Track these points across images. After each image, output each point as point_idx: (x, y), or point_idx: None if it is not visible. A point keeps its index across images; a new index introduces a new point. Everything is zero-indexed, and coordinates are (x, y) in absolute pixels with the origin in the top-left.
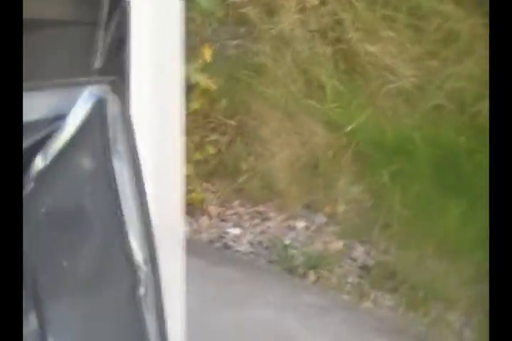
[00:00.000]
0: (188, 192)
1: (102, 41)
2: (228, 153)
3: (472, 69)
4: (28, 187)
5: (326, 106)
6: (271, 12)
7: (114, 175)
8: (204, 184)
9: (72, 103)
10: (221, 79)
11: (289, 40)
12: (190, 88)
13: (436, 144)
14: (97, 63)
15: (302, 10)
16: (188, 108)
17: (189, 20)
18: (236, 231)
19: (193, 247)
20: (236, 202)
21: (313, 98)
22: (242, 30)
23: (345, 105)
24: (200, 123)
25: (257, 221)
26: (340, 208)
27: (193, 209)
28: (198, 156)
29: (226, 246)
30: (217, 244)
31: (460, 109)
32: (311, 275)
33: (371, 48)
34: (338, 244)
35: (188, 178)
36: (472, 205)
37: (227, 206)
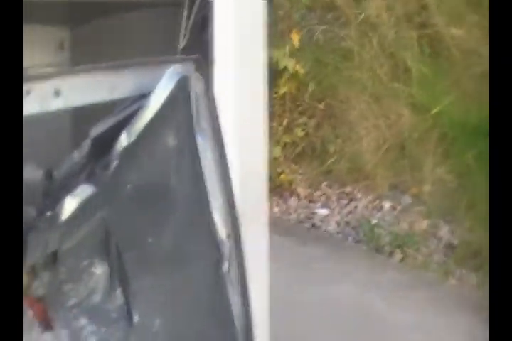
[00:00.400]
0: (277, 174)
1: (186, 21)
2: (316, 135)
3: None
4: (113, 164)
5: (412, 89)
6: None
7: (197, 151)
8: (292, 166)
9: (156, 81)
10: (309, 63)
11: (375, 25)
12: (278, 73)
13: None
14: (182, 42)
15: None
16: (276, 92)
17: (278, 7)
18: (324, 211)
19: (282, 227)
20: (324, 184)
21: (400, 81)
22: (330, 15)
23: (430, 88)
24: (288, 107)
25: (344, 202)
26: (426, 189)
27: (282, 190)
28: (286, 139)
29: (314, 226)
30: (306, 224)
31: None
32: (397, 254)
33: (456, 32)
34: (424, 224)
35: (277, 161)
36: None
37: (315, 187)
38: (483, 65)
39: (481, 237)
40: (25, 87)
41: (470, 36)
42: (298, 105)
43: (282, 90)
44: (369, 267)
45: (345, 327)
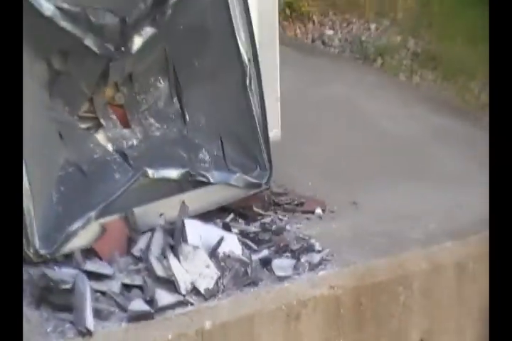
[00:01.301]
0: (300, 6)
1: None
2: None
3: None
4: (168, 12)
5: None
6: None
7: (227, 8)
8: (310, 1)
9: None
10: None
11: None
12: None
13: None
14: None
15: None
16: None
17: None
18: (330, 32)
19: (301, 45)
20: (331, 12)
21: None
22: None
23: None
24: None
25: (344, 25)
26: (399, 15)
27: (303, 18)
28: None
29: (323, 43)
30: (318, 42)
31: None
32: (379, 60)
33: None
34: (398, 39)
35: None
36: None
37: (325, 15)
38: None
39: (437, 47)
40: None
41: None
42: None
43: None
44: (358, 71)
45: (336, 114)
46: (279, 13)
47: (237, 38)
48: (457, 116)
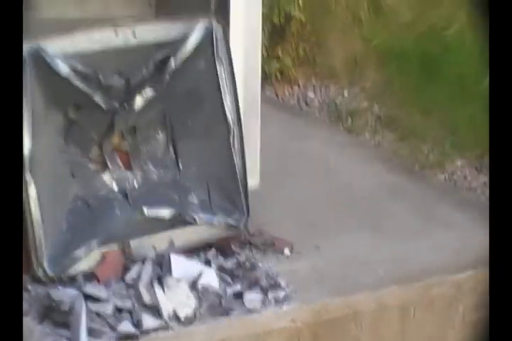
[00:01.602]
0: (287, 72)
1: None
2: (310, 53)
3: None
4: (166, 78)
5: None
6: None
7: (216, 71)
8: (298, 69)
9: (194, 28)
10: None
11: None
12: (287, 19)
13: None
14: (212, 6)
15: None
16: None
17: None
18: (312, 95)
19: (286, 105)
20: (313, 79)
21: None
22: None
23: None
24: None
25: (323, 89)
26: (367, 84)
27: (290, 82)
28: (291, 56)
29: (306, 104)
30: (302, 103)
31: None
32: (349, 120)
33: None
34: (365, 104)
35: (288, 67)
36: None
37: (309, 80)
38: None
39: (397, 112)
40: (114, 28)
41: None
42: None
43: (293, 28)
44: (331, 130)
45: (308, 167)
46: (272, 76)
47: (224, 102)
48: (409, 174)
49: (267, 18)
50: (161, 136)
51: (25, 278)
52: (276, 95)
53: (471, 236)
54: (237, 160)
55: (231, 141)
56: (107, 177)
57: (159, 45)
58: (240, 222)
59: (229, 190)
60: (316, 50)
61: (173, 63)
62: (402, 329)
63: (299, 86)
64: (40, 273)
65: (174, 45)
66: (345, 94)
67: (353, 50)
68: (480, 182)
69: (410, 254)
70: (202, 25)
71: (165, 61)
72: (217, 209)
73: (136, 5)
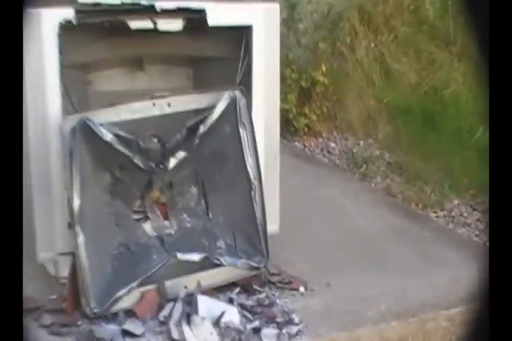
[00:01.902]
0: (313, 127)
1: (240, 69)
2: (332, 110)
3: None
4: (195, 141)
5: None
6: None
7: (240, 134)
8: (321, 124)
9: (221, 98)
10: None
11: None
12: (313, 83)
13: None
14: (237, 79)
15: None
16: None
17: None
18: (333, 145)
19: (310, 155)
20: (334, 132)
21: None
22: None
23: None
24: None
25: (343, 141)
26: (380, 137)
27: (316, 134)
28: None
29: (329, 152)
30: (325, 151)
31: None
32: (364, 166)
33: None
34: (377, 152)
35: (314, 122)
36: None
37: (331, 133)
38: None
39: (404, 159)
40: (152, 100)
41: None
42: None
43: (317, 90)
44: (347, 178)
45: (325, 212)
46: (300, 130)
47: (246, 161)
48: (412, 216)
49: (296, 82)
50: (194, 190)
51: (76, 314)
52: (304, 146)
53: (464, 275)
54: (258, 210)
55: (252, 194)
56: (147, 226)
57: (190, 113)
58: (261, 264)
59: (251, 236)
60: (336, 107)
61: (202, 129)
62: None
63: (322, 138)
64: (88, 311)
65: (203, 112)
66: (361, 144)
67: (368, 107)
68: (474, 218)
69: (409, 291)
70: (227, 96)
71: (195, 127)
72: (241, 253)
73: (176, 78)
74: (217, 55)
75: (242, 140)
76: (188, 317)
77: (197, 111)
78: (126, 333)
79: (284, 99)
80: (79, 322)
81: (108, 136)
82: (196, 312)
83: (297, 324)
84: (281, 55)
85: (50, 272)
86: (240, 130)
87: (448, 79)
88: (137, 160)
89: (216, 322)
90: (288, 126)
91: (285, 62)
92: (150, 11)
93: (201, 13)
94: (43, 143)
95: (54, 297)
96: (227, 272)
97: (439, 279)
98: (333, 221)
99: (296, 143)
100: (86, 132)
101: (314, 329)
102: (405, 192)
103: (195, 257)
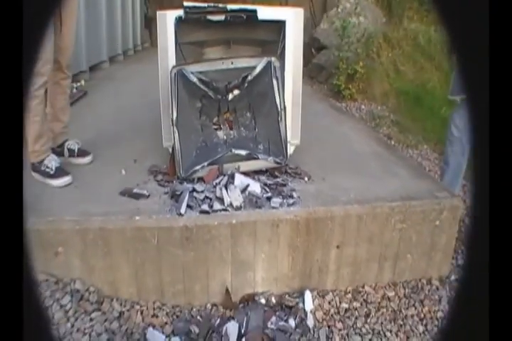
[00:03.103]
0: (350, 95)
1: (280, 46)
2: (360, 82)
3: None
4: (245, 85)
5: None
6: None
7: (273, 83)
8: (351, 88)
9: (262, 60)
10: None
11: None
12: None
13: None
14: (278, 52)
15: None
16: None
17: None
18: (363, 106)
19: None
20: (365, 99)
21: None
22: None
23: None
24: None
25: (363, 104)
26: (391, 102)
27: (353, 99)
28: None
29: (359, 110)
30: (355, 110)
31: None
32: (374, 122)
33: None
34: (387, 113)
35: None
36: None
37: (362, 99)
38: None
39: (401, 119)
40: (222, 60)
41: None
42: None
43: (357, 76)
44: (363, 124)
45: (334, 138)
46: (346, 97)
47: (276, 100)
48: (388, 148)
49: (345, 70)
50: (248, 114)
51: (174, 177)
52: (346, 106)
53: (407, 184)
54: (282, 128)
55: (279, 118)
56: (220, 133)
57: (244, 69)
58: (282, 161)
59: (278, 144)
60: (367, 86)
61: (249, 77)
62: (357, 227)
63: (358, 102)
64: (179, 176)
65: (251, 69)
66: (378, 108)
67: (384, 88)
68: (433, 156)
69: (370, 188)
70: (265, 60)
71: (246, 76)
72: (271, 153)
73: (251, 53)
74: (269, 39)
75: (274, 86)
76: (227, 184)
77: (248, 68)
78: (193, 189)
79: (337, 79)
80: (174, 181)
81: (194, 79)
82: (233, 182)
83: (295, 198)
84: (336, 55)
85: (169, 152)
86: (273, 80)
87: (429, 78)
88: (211, 94)
89: (243, 190)
90: (339, 94)
91: (339, 59)
92: (224, 11)
93: (254, 12)
94: (165, 82)
95: (165, 166)
96: (261, 163)
97: (390, 184)
98: (339, 143)
99: (343, 104)
100: (182, 76)
101: (305, 203)
102: (398, 137)
103: (243, 152)
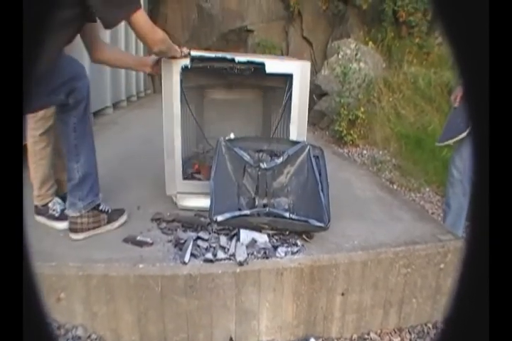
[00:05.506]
0: (352, 141)
1: (286, 95)
2: (362, 127)
3: None
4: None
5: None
6: None
7: (312, 165)
8: (354, 136)
9: (302, 150)
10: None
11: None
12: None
13: None
14: (284, 101)
15: None
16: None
17: None
18: (364, 151)
19: (343, 157)
20: (366, 144)
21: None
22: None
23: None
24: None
25: (366, 150)
26: (392, 147)
27: (351, 146)
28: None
29: (361, 155)
30: (357, 157)
31: None
32: (378, 167)
33: None
34: (388, 158)
35: (346, 132)
36: None
37: (363, 145)
38: None
39: (402, 163)
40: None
41: None
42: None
43: (358, 122)
44: (365, 170)
45: (338, 184)
46: (347, 143)
47: (316, 175)
48: (390, 193)
49: (346, 115)
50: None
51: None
52: (348, 152)
53: (411, 228)
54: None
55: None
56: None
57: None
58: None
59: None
60: (368, 132)
61: (287, 169)
62: (362, 274)
63: (359, 148)
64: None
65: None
66: (380, 152)
67: (385, 132)
68: (436, 199)
69: (375, 234)
70: (310, 148)
71: (284, 165)
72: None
73: (251, 96)
74: (274, 85)
75: (315, 168)
76: (232, 237)
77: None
78: (197, 238)
79: (339, 125)
80: (177, 229)
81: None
82: (238, 240)
83: (299, 246)
84: (337, 101)
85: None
86: (313, 162)
87: (430, 121)
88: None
89: (250, 244)
90: (340, 140)
91: (340, 105)
92: (232, 62)
93: (262, 65)
94: (169, 129)
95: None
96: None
97: (394, 229)
98: (341, 189)
99: (344, 150)
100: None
101: (309, 251)
102: (400, 181)
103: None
